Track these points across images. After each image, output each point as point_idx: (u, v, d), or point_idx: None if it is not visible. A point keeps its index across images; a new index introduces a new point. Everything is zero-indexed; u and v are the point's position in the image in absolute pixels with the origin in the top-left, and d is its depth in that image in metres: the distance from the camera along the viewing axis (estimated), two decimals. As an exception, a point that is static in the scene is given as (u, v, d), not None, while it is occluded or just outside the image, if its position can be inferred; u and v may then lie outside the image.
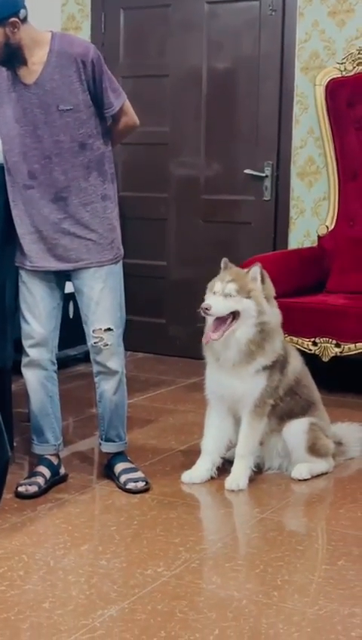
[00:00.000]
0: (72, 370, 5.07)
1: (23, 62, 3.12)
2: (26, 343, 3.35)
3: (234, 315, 3.28)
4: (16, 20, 3.04)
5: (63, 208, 3.23)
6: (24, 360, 3.38)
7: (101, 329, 3.31)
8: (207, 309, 3.26)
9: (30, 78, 3.14)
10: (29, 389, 3.40)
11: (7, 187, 3.28)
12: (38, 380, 3.38)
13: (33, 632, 2.36)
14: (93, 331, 3.32)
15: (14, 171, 3.23)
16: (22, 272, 3.34)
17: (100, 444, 3.51)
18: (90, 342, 3.34)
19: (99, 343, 3.31)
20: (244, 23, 5.18)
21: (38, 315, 3.32)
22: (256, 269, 3.32)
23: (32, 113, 3.15)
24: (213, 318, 3.28)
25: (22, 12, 3.05)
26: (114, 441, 3.47)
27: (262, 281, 3.33)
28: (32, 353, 3.35)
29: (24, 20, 3.08)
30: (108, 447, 3.48)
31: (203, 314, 3.28)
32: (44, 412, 3.41)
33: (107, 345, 3.31)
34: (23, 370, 3.39)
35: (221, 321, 3.28)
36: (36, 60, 3.12)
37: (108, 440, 3.47)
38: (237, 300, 3.28)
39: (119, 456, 3.48)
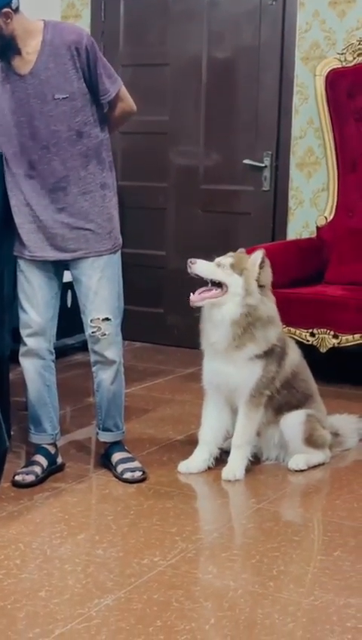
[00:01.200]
0: (69, 360, 5.07)
1: (17, 52, 3.10)
2: (23, 332, 3.35)
3: (222, 288, 3.29)
4: (9, 10, 3.02)
5: (62, 198, 3.22)
6: (22, 349, 3.38)
7: (99, 319, 3.30)
8: (192, 262, 3.28)
9: (24, 69, 3.13)
10: (27, 378, 3.40)
11: (5, 177, 3.27)
12: (35, 370, 3.38)
13: (29, 621, 2.36)
14: (91, 321, 3.31)
15: (13, 162, 3.22)
16: (20, 262, 3.33)
17: (97, 433, 3.51)
18: (88, 331, 3.34)
19: (97, 333, 3.31)
20: (245, 13, 5.16)
21: (36, 305, 3.32)
22: (258, 253, 3.34)
23: (28, 104, 3.14)
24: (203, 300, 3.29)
25: (14, 2, 3.03)
26: (111, 431, 3.48)
27: (261, 267, 3.33)
28: (30, 342, 3.34)
29: (16, 10, 3.06)
30: (106, 437, 3.49)
31: (188, 269, 3.29)
32: (41, 401, 3.41)
33: (105, 334, 3.31)
34: (21, 359, 3.39)
35: (207, 290, 3.31)
36: (30, 50, 3.11)
37: (105, 429, 3.48)
38: (228, 273, 3.29)
39: (116, 445, 3.48)
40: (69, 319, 4.12)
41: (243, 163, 5.23)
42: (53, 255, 3.28)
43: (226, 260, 3.33)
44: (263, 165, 5.19)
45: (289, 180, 5.17)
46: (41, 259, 3.29)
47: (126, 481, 3.33)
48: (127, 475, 3.34)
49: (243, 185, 5.28)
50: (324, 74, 4.87)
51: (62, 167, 3.19)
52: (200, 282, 3.36)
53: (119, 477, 3.36)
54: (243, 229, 5.24)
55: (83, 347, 4.89)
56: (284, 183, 5.19)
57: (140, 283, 5.39)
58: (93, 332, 3.32)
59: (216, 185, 5.37)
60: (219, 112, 5.31)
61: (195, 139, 5.39)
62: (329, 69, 4.87)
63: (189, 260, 3.30)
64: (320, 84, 4.88)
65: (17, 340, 3.41)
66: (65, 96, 3.14)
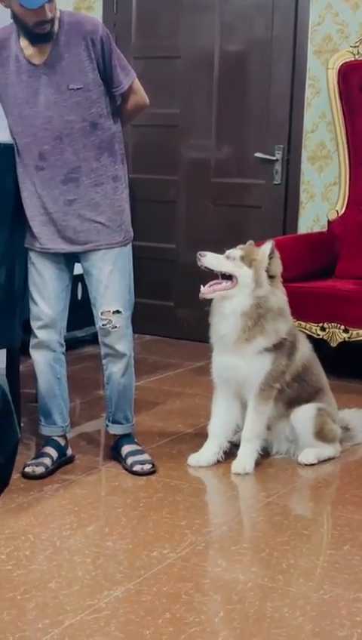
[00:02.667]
0: (79, 352, 5.07)
1: (49, 40, 3.09)
2: (34, 324, 3.35)
3: (232, 280, 3.29)
4: None
5: (74, 190, 3.22)
6: (32, 341, 3.38)
7: (110, 311, 3.30)
8: (201, 255, 3.27)
9: (39, 59, 3.12)
10: (37, 371, 3.40)
11: (16, 169, 3.27)
12: (46, 362, 3.38)
13: (39, 612, 2.37)
14: (102, 313, 3.31)
15: (25, 152, 3.22)
16: (31, 254, 3.33)
17: (107, 425, 3.51)
18: (99, 324, 3.34)
19: (108, 326, 3.31)
20: (257, 5, 5.14)
21: (46, 297, 3.32)
22: (267, 244, 3.34)
23: (43, 93, 3.14)
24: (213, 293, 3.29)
25: None
26: (121, 423, 3.48)
27: (270, 257, 3.33)
28: (41, 334, 3.35)
29: None
30: (116, 429, 3.49)
31: (198, 261, 3.29)
32: (51, 393, 3.41)
33: (115, 327, 3.31)
34: (31, 351, 3.39)
35: (217, 282, 3.31)
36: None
37: (115, 422, 3.48)
38: (238, 265, 3.29)
39: (126, 438, 3.48)
40: (80, 312, 4.12)
41: (255, 156, 5.21)
42: (64, 247, 3.27)
43: (236, 252, 3.33)
44: (274, 159, 5.17)
45: (301, 173, 5.15)
46: (52, 251, 3.29)
47: (135, 473, 3.33)
48: (137, 468, 3.35)
49: (254, 178, 5.27)
50: (337, 67, 4.86)
51: (74, 158, 3.19)
52: (210, 275, 3.36)
53: (129, 469, 3.36)
54: (254, 222, 5.23)
55: (93, 340, 4.89)
56: (296, 176, 5.17)
57: (150, 276, 5.38)
58: (103, 325, 3.32)
59: (227, 178, 5.36)
60: (230, 105, 5.30)
61: (206, 132, 5.38)
62: (341, 62, 4.85)
63: (199, 253, 3.30)
64: (333, 77, 4.86)
65: (28, 331, 3.41)
66: (79, 86, 3.13)
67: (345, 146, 4.90)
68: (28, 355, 3.43)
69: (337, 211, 4.92)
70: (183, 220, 5.52)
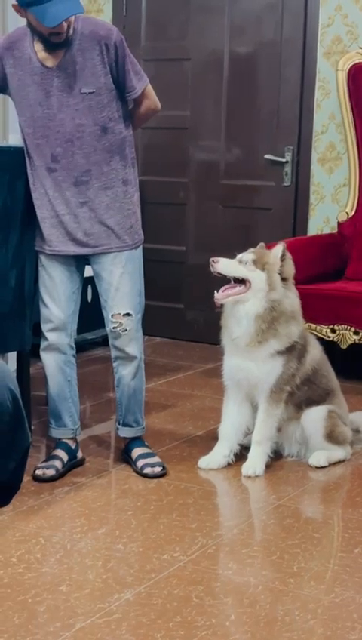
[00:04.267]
0: (89, 354, 5.07)
1: (65, 46, 3.10)
2: (45, 327, 3.36)
3: (245, 284, 3.28)
4: None
5: (84, 192, 3.22)
6: (43, 344, 3.38)
7: (120, 314, 3.30)
8: (214, 261, 3.27)
9: (52, 62, 3.13)
10: (48, 373, 3.40)
11: (27, 171, 3.27)
12: (56, 364, 3.38)
13: (50, 615, 2.37)
14: (112, 316, 3.31)
15: (37, 154, 3.22)
16: (41, 257, 3.34)
17: (117, 428, 3.51)
18: (109, 327, 3.34)
19: (118, 328, 3.31)
20: (266, 7, 5.14)
21: (57, 300, 3.32)
22: (279, 247, 3.34)
23: (54, 96, 3.14)
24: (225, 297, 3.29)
25: None
26: (131, 426, 3.47)
27: (282, 259, 3.32)
28: (51, 337, 3.35)
29: None
30: (126, 432, 3.49)
31: (211, 268, 3.28)
32: (62, 396, 3.41)
33: (126, 330, 3.31)
34: (42, 354, 3.39)
35: (231, 287, 3.30)
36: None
37: (125, 425, 3.48)
38: (250, 269, 3.29)
39: (136, 441, 3.48)
40: (90, 314, 4.12)
41: (264, 158, 5.21)
42: (75, 250, 3.28)
43: (248, 255, 3.33)
44: (284, 160, 5.17)
45: (311, 175, 5.15)
46: (62, 253, 3.29)
47: (146, 476, 3.33)
48: (147, 470, 3.34)
49: (264, 180, 5.26)
50: (346, 69, 4.85)
51: (85, 162, 3.19)
52: (220, 278, 3.35)
53: (139, 472, 3.36)
54: (263, 224, 5.22)
55: (103, 342, 4.91)
56: (305, 178, 5.16)
57: (160, 278, 5.39)
58: (114, 327, 3.32)
59: (237, 180, 5.36)
60: (240, 107, 5.29)
61: (216, 134, 5.38)
62: (351, 64, 4.85)
63: (211, 259, 3.29)
64: (342, 78, 4.85)
65: (38, 334, 3.42)
66: (91, 90, 3.14)
67: (355, 147, 4.89)
68: (38, 357, 3.43)
69: (347, 213, 4.91)
70: (193, 222, 5.51)
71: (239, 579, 2.61)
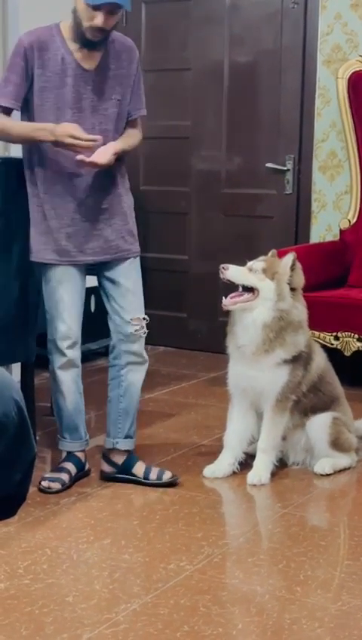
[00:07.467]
0: (93, 365, 5.07)
1: (100, 48, 3.12)
2: (63, 343, 3.26)
3: (254, 292, 3.29)
4: None
5: (105, 198, 3.23)
6: (60, 361, 3.28)
7: (139, 317, 3.30)
8: (224, 268, 3.27)
9: (90, 64, 3.14)
10: (65, 390, 3.32)
11: (36, 181, 3.20)
12: (73, 380, 3.33)
13: (57, 626, 2.37)
14: (132, 320, 3.28)
15: (61, 159, 3.14)
16: (57, 270, 3.23)
17: (117, 442, 3.37)
18: (129, 330, 3.27)
19: (140, 331, 3.29)
20: (266, 16, 5.16)
21: (75, 314, 3.27)
22: (289, 257, 3.34)
23: (88, 99, 3.15)
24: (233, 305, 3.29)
25: None
26: (132, 437, 3.40)
27: (292, 269, 3.32)
28: (70, 354, 3.28)
29: None
30: (128, 444, 3.39)
31: (220, 274, 3.28)
32: (77, 409, 3.37)
33: (145, 333, 3.31)
34: (59, 372, 3.30)
35: (239, 294, 3.30)
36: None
37: (127, 437, 3.39)
38: (260, 278, 3.29)
39: (133, 455, 3.39)
40: (93, 324, 4.12)
41: (266, 166, 5.22)
42: (93, 258, 3.24)
43: (258, 264, 3.32)
44: (286, 169, 5.18)
45: (312, 183, 5.16)
46: (80, 262, 3.25)
47: (171, 484, 3.30)
48: (167, 475, 3.32)
49: (265, 189, 5.27)
50: (346, 77, 4.86)
51: (107, 167, 3.16)
52: (222, 287, 3.36)
53: (156, 482, 3.31)
54: (265, 232, 5.23)
55: (106, 352, 4.90)
56: (307, 186, 5.17)
57: (163, 287, 5.39)
58: (136, 330, 3.28)
59: (239, 189, 5.37)
60: (241, 115, 5.31)
61: (217, 143, 5.39)
62: (351, 72, 4.86)
63: (222, 266, 3.28)
64: (343, 86, 4.86)
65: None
66: (119, 98, 3.19)
67: (356, 154, 4.90)
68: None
69: (349, 220, 4.92)
70: (195, 231, 5.52)
71: (246, 588, 2.60)
